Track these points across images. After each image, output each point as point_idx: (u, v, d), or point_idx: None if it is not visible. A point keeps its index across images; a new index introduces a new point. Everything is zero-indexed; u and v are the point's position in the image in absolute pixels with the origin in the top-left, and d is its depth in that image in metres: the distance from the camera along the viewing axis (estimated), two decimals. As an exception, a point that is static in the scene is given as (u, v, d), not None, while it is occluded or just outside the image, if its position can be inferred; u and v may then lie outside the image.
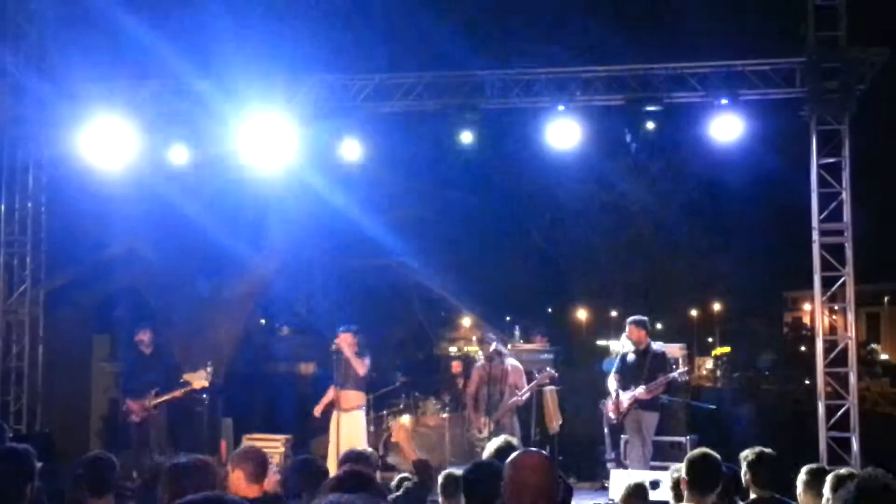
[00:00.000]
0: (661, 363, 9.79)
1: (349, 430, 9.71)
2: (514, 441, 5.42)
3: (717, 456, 4.87)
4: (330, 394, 10.06)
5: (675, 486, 5.09)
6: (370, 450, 6.48)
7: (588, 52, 10.41)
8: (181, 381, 10.09)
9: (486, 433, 9.77)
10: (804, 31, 9.45)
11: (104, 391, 14.43)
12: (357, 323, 10.22)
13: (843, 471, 5.06)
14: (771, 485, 5.34)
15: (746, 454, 5.44)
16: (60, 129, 10.24)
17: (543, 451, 3.68)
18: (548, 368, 10.50)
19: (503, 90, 9.92)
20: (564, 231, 16.40)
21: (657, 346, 10.02)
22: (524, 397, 10.13)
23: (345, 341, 9.79)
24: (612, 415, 9.86)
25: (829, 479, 4.83)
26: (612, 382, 9.85)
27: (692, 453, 4.96)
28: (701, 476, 4.74)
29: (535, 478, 3.38)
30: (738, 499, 5.39)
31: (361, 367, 9.79)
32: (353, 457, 5.26)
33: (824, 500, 4.70)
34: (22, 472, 3.96)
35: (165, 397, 10.01)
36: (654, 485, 6.91)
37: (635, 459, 9.56)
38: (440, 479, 5.36)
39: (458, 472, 5.30)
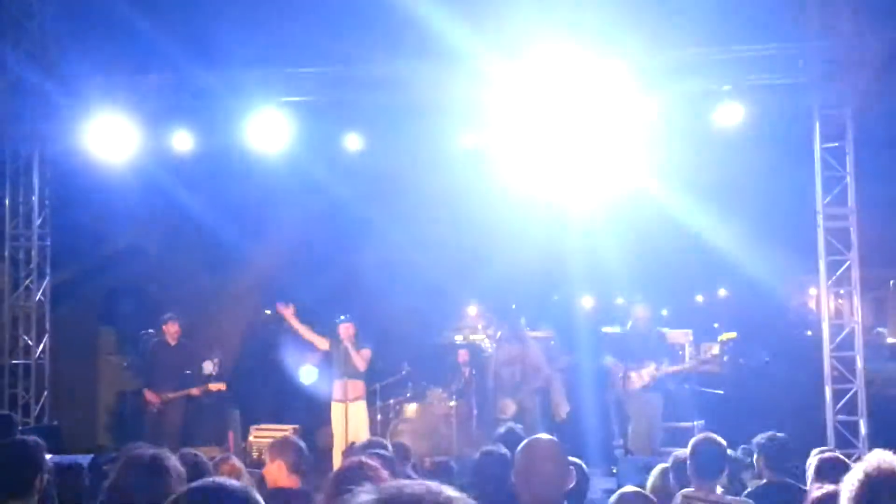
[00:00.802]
0: (662, 344, 9.99)
1: (355, 420, 9.73)
2: (517, 428, 5.44)
3: (722, 441, 4.75)
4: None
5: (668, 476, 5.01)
6: (385, 441, 6.51)
7: (589, 40, 10.33)
8: (203, 374, 10.25)
9: (509, 414, 9.89)
10: (808, 16, 9.40)
11: (111, 384, 14.45)
12: (361, 313, 10.24)
13: (826, 454, 5.04)
14: (783, 469, 5.31)
15: (759, 439, 5.39)
16: (63, 124, 10.24)
17: (553, 438, 3.67)
18: (562, 356, 10.66)
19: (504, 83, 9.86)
20: (568, 220, 16.34)
21: (659, 329, 10.23)
22: (541, 380, 10.26)
23: (345, 331, 9.80)
24: (619, 382, 9.90)
25: (813, 462, 4.80)
26: (609, 360, 9.94)
27: (695, 439, 4.83)
28: (705, 462, 4.62)
29: (547, 465, 3.39)
30: (748, 482, 5.39)
31: (361, 361, 9.80)
32: (370, 446, 5.33)
33: (809, 482, 4.67)
34: (31, 464, 3.99)
35: (181, 393, 10.10)
36: None
37: (641, 445, 9.59)
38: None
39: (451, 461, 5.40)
